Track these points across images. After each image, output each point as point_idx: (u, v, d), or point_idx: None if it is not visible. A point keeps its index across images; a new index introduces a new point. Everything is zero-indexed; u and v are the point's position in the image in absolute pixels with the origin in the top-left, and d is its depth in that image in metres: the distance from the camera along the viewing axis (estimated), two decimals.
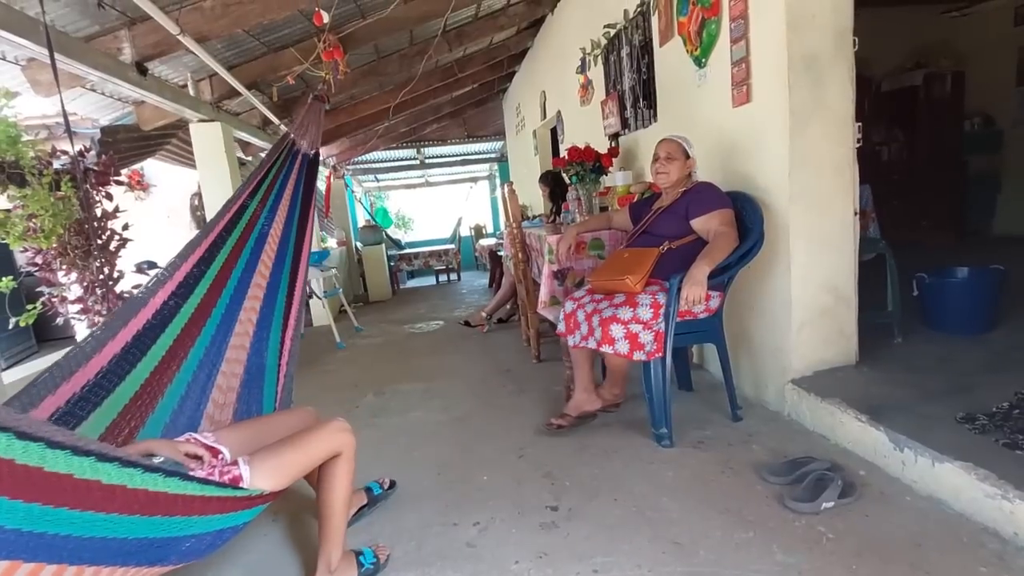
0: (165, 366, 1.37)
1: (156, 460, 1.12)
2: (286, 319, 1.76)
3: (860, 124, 2.01)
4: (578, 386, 2.15)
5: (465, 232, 9.43)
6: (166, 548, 0.97)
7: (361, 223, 8.26)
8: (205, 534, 1.04)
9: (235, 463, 1.14)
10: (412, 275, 9.13)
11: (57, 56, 1.90)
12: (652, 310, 1.89)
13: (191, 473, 1.08)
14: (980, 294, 2.37)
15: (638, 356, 1.89)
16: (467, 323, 4.43)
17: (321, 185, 6.85)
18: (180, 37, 2.40)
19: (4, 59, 2.32)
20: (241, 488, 1.10)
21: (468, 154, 9.99)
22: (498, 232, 8.99)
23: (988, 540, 1.30)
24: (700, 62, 2.39)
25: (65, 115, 1.87)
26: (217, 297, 1.54)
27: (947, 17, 4.56)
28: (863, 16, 1.98)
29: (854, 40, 1.94)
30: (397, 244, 8.77)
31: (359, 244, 7.19)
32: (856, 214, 2.05)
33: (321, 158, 6.98)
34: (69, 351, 1.13)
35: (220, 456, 1.24)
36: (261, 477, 1.14)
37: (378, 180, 10.82)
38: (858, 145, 2.01)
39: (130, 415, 1.28)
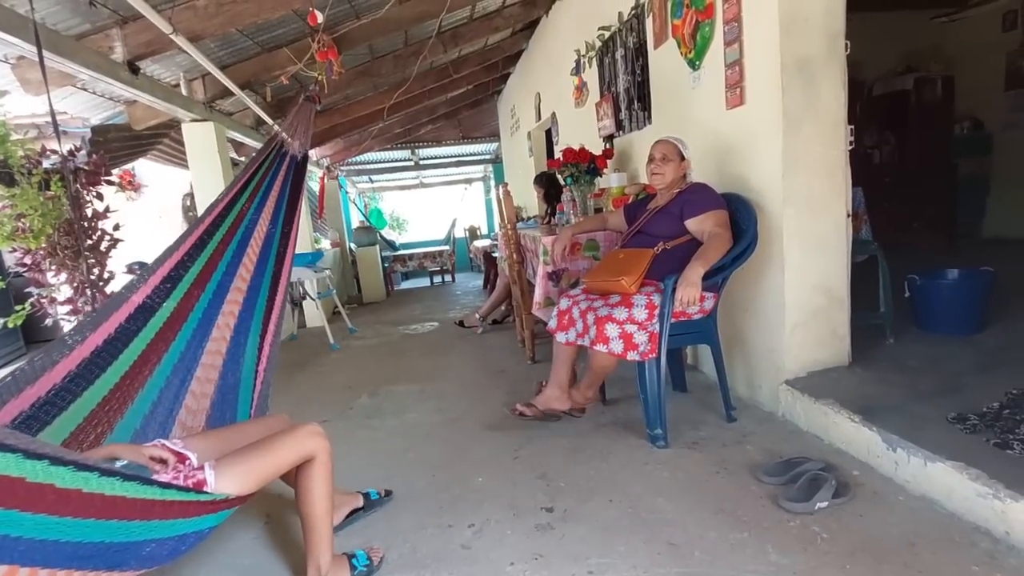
0: (137, 371, 1.34)
1: (118, 464, 1.10)
2: (265, 325, 1.72)
3: (852, 127, 2.02)
4: (552, 382, 2.15)
5: (460, 234, 9.42)
6: (125, 552, 0.95)
7: (355, 224, 8.23)
8: (167, 539, 1.02)
9: (200, 468, 1.13)
10: (406, 276, 9.10)
11: (47, 54, 1.88)
12: (647, 311, 1.89)
13: (153, 477, 1.06)
14: (970, 295, 2.39)
15: (632, 356, 1.89)
16: (462, 324, 4.42)
17: (315, 186, 6.82)
18: (173, 36, 2.38)
19: None
20: (205, 492, 1.08)
21: (463, 155, 9.98)
22: (492, 234, 8.99)
23: (980, 539, 1.31)
24: (694, 65, 2.41)
25: (53, 114, 1.84)
26: (195, 301, 1.50)
27: (937, 22, 4.62)
28: (854, 20, 1.99)
29: (846, 44, 1.96)
30: (391, 245, 8.75)
31: (353, 245, 7.16)
32: (849, 216, 2.06)
33: (315, 159, 6.97)
34: (35, 354, 1.12)
35: (187, 462, 1.22)
36: (226, 481, 1.12)
37: (372, 181, 10.78)
38: (850, 148, 2.03)
39: (97, 421, 1.25)
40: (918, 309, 2.49)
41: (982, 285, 2.38)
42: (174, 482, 1.07)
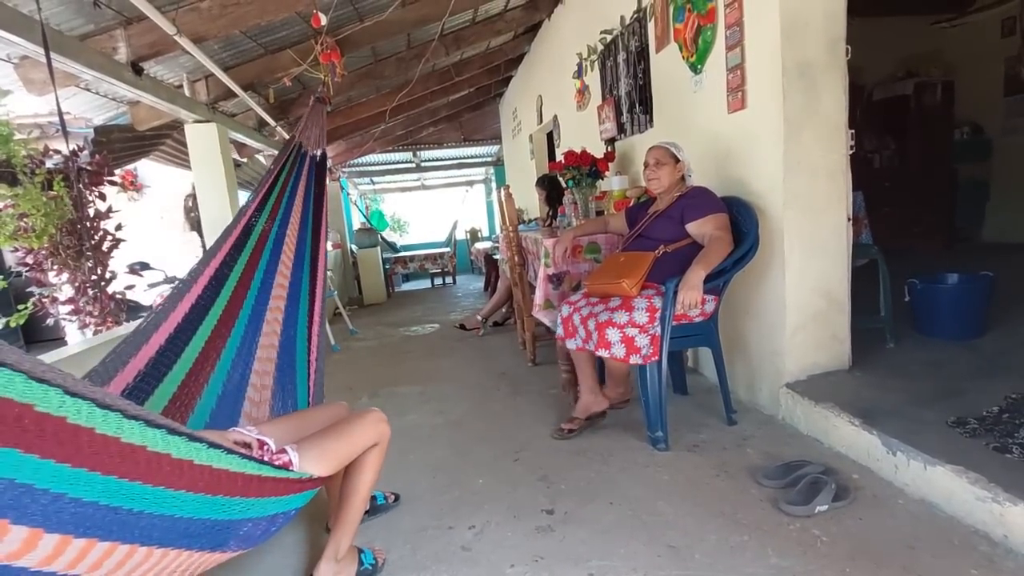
0: (199, 367, 1.40)
1: None
2: (311, 315, 1.81)
3: (853, 131, 2.03)
4: (583, 388, 2.15)
5: (461, 236, 9.43)
6: (227, 531, 0.98)
7: (356, 226, 8.23)
8: (261, 519, 1.05)
9: (283, 451, 1.16)
10: (407, 278, 9.11)
11: (51, 54, 1.89)
12: (648, 314, 1.90)
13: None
14: (970, 300, 2.39)
15: (634, 360, 1.90)
16: (463, 326, 4.42)
17: None
18: (176, 37, 2.39)
19: None
20: (292, 471, 1.12)
21: (464, 158, 10.00)
22: (494, 236, 9.00)
23: (979, 542, 1.32)
24: (696, 68, 2.42)
25: (60, 114, 1.86)
26: (243, 299, 1.58)
27: (937, 28, 4.63)
28: (855, 25, 2.00)
29: (847, 49, 1.97)
30: (392, 247, 8.75)
31: (354, 247, 7.17)
32: (849, 220, 2.07)
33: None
34: (107, 358, 1.15)
35: (266, 447, 1.26)
36: (309, 462, 1.16)
37: (374, 183, 10.79)
38: (851, 152, 2.04)
39: (171, 416, 1.30)
40: (918, 313, 2.50)
41: (981, 290, 2.38)
42: (265, 460, 1.10)
